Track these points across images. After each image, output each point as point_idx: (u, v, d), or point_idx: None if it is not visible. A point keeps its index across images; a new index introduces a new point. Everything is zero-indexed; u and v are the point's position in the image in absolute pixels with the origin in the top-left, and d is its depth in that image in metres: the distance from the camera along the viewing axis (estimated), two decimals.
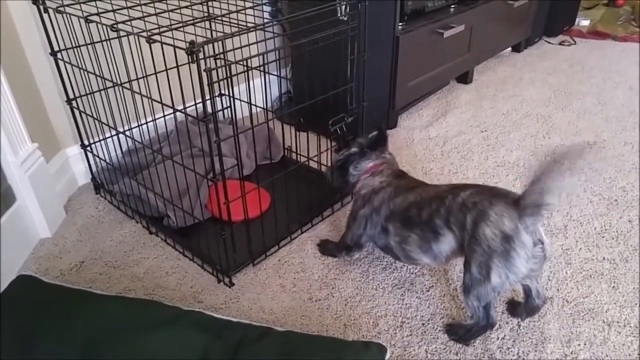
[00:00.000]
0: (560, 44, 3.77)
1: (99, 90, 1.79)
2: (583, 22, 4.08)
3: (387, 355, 1.32)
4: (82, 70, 1.76)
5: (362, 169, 1.61)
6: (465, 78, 3.05)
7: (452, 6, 2.60)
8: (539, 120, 2.62)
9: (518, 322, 1.47)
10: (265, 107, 1.65)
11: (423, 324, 1.47)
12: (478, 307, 1.34)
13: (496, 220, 1.25)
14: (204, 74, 1.27)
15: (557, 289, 1.58)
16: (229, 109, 1.49)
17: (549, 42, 3.80)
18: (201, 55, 1.26)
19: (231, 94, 1.44)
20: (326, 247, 1.75)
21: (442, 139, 2.44)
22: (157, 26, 1.38)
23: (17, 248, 1.71)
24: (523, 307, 1.46)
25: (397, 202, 1.47)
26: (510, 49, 3.60)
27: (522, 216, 1.22)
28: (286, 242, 1.78)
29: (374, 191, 1.54)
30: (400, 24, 2.22)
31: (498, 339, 1.42)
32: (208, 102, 1.33)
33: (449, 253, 1.39)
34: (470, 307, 1.35)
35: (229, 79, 1.39)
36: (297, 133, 1.96)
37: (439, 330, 1.45)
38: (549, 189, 1.18)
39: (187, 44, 1.24)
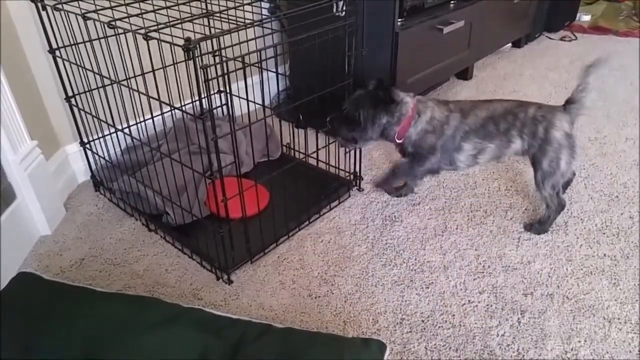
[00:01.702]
0: (561, 39, 3.76)
1: (98, 88, 1.79)
2: (584, 18, 4.06)
3: (387, 352, 1.32)
4: (80, 68, 1.75)
5: (404, 111, 1.72)
6: (465, 74, 3.04)
7: (452, 2, 2.58)
8: None
9: (518, 319, 1.46)
10: (263, 104, 1.64)
11: (423, 321, 1.47)
12: (552, 194, 1.74)
13: (560, 125, 1.67)
14: (200, 71, 1.27)
15: (558, 286, 1.57)
16: (228, 105, 1.48)
17: (550, 38, 3.79)
18: (198, 52, 1.25)
19: (228, 91, 1.43)
20: (394, 189, 1.98)
21: None
22: (154, 23, 1.38)
23: (17, 245, 1.71)
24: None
25: (470, 122, 1.73)
26: (510, 44, 3.58)
27: (573, 117, 1.70)
28: (285, 239, 1.77)
29: (442, 122, 1.74)
30: (400, 20, 2.21)
31: (498, 335, 1.42)
32: (205, 100, 1.32)
33: (506, 157, 1.83)
34: (546, 196, 1.75)
35: (227, 76, 1.38)
36: (296, 130, 1.95)
37: (439, 327, 1.45)
38: (585, 88, 1.67)
39: (184, 41, 1.23)
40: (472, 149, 1.75)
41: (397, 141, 1.76)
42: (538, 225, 1.80)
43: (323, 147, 1.91)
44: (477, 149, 1.75)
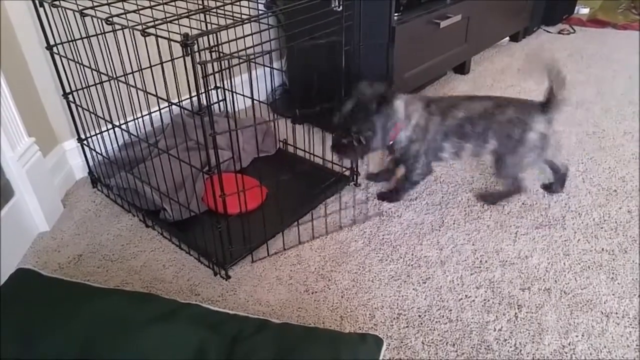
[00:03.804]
0: (559, 32, 3.75)
1: (95, 84, 1.79)
2: (582, 11, 4.06)
3: (384, 347, 1.32)
4: (78, 64, 1.75)
5: (398, 116, 1.73)
6: (462, 68, 3.04)
7: None
8: None
9: (515, 314, 1.47)
10: (258, 99, 1.64)
11: (420, 316, 1.47)
12: (510, 180, 1.86)
13: (536, 127, 1.71)
14: (198, 67, 1.27)
15: (555, 281, 1.58)
16: (225, 101, 1.48)
17: (548, 31, 3.78)
18: (195, 48, 1.25)
19: (226, 87, 1.43)
20: (394, 195, 1.95)
21: None
22: (152, 19, 1.38)
23: (15, 242, 1.71)
24: (556, 181, 1.95)
25: (448, 124, 1.76)
26: (508, 38, 3.58)
27: (550, 116, 1.71)
28: (282, 235, 1.77)
29: (424, 129, 1.77)
30: (396, 14, 2.20)
31: (495, 330, 1.42)
32: (203, 95, 1.32)
33: (484, 154, 1.84)
34: (504, 182, 1.90)
35: (224, 71, 1.38)
36: (293, 126, 1.95)
37: (436, 322, 1.45)
38: (558, 86, 1.68)
39: (181, 37, 1.23)
40: (452, 148, 1.81)
41: (388, 144, 1.79)
42: (491, 198, 1.93)
43: (320, 143, 1.91)
44: (456, 148, 1.80)
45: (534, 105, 1.74)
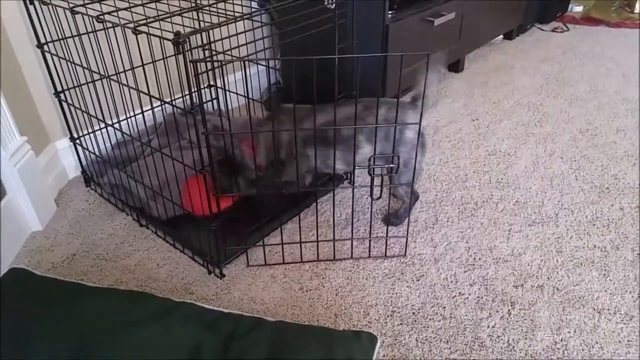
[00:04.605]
0: (553, 30, 3.76)
1: (87, 83, 1.78)
2: (576, 8, 4.07)
3: (378, 345, 1.32)
4: (69, 63, 1.75)
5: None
6: (456, 66, 3.04)
7: None
8: (530, 108, 2.61)
9: (508, 311, 1.47)
10: (248, 96, 1.64)
11: (414, 313, 1.47)
12: (407, 190, 1.74)
13: (413, 125, 1.58)
14: (190, 65, 1.26)
15: (548, 277, 1.58)
16: (218, 100, 1.48)
17: (542, 29, 3.79)
18: (187, 46, 1.25)
19: (219, 85, 1.43)
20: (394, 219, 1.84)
21: (433, 128, 2.44)
22: (143, 17, 1.37)
23: (8, 241, 1.70)
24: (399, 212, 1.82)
25: (305, 131, 1.61)
26: (502, 36, 3.59)
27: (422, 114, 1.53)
28: (276, 233, 1.77)
29: (280, 134, 1.66)
30: (390, 12, 2.21)
31: (488, 327, 1.42)
32: (195, 94, 1.32)
33: (363, 161, 1.63)
34: (402, 193, 1.75)
35: (217, 70, 1.38)
36: None
37: (430, 319, 1.45)
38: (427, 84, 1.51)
39: (173, 35, 1.23)
40: (320, 156, 1.62)
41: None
42: (395, 219, 1.81)
43: None
44: (323, 156, 1.64)
45: (405, 104, 1.65)
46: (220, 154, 1.64)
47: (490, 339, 1.39)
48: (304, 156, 1.66)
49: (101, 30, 1.52)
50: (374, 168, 1.52)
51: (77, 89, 1.82)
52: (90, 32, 1.58)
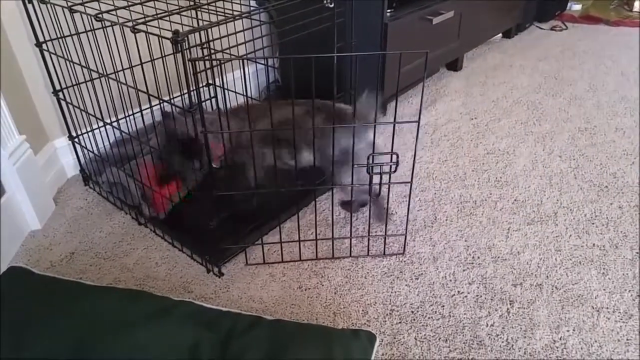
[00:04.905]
0: (551, 29, 3.76)
1: (86, 82, 1.78)
2: (575, 7, 4.07)
3: (377, 343, 1.32)
4: (68, 61, 1.74)
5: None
6: (455, 65, 3.05)
7: None
8: (529, 107, 2.61)
9: (507, 309, 1.47)
10: (247, 95, 1.64)
11: (412, 312, 1.47)
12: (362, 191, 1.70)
13: (347, 138, 1.52)
14: (188, 64, 1.26)
15: (547, 276, 1.58)
16: (217, 98, 1.48)
17: (541, 28, 3.79)
18: (186, 45, 1.25)
19: (217, 84, 1.43)
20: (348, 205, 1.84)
21: (432, 126, 2.44)
22: (142, 15, 1.37)
23: (7, 240, 1.70)
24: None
25: (258, 132, 1.62)
26: (500, 35, 3.59)
27: (359, 129, 1.53)
28: (275, 232, 1.77)
29: (239, 134, 1.67)
30: (389, 11, 2.21)
31: (487, 325, 1.42)
32: (194, 92, 1.32)
33: (306, 162, 1.67)
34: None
35: (216, 68, 1.38)
36: None
37: (429, 318, 1.45)
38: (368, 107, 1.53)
39: (172, 34, 1.23)
40: (274, 156, 1.62)
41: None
42: (347, 206, 1.84)
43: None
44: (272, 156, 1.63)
45: (346, 112, 1.62)
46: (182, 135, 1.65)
47: (489, 337, 1.39)
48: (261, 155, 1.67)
49: (100, 28, 1.52)
50: (372, 167, 1.51)
51: (75, 87, 1.82)
52: (89, 31, 1.58)
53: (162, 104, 1.52)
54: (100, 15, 1.43)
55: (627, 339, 1.38)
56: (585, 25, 3.85)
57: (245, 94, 1.67)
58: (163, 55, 1.41)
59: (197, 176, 1.78)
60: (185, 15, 1.50)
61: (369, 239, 1.72)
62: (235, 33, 1.42)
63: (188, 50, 1.27)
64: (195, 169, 1.71)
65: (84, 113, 1.84)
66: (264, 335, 1.31)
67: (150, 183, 1.70)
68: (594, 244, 1.70)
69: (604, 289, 1.53)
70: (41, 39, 1.75)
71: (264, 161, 1.68)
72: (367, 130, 1.57)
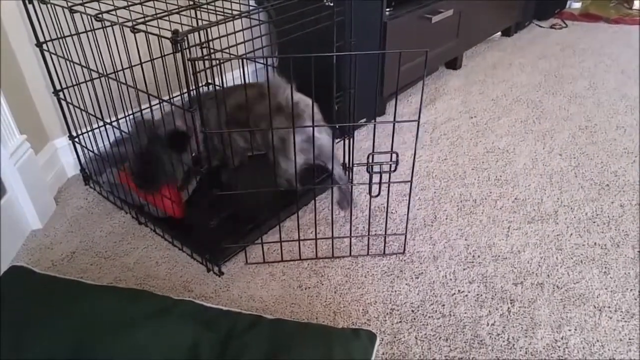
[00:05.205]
0: (551, 27, 3.76)
1: (86, 81, 1.78)
2: (575, 5, 4.07)
3: (377, 342, 1.32)
4: (68, 61, 1.74)
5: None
6: (454, 64, 3.04)
7: None
8: (529, 105, 2.61)
9: (508, 308, 1.47)
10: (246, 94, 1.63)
11: (413, 311, 1.47)
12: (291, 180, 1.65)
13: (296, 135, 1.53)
14: (188, 64, 1.26)
15: (548, 275, 1.58)
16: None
17: (540, 26, 3.79)
18: (185, 45, 1.25)
19: (217, 83, 1.43)
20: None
21: (431, 125, 2.44)
22: (142, 15, 1.37)
23: (8, 239, 1.70)
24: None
25: (223, 113, 1.64)
26: (500, 33, 3.58)
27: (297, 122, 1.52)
28: (275, 231, 1.77)
29: (209, 117, 1.67)
30: (388, 9, 2.21)
31: (488, 325, 1.42)
32: (193, 92, 1.32)
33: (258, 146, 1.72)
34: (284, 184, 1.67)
35: (216, 68, 1.38)
36: None
37: (429, 317, 1.45)
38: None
39: (172, 33, 1.23)
40: (240, 139, 1.75)
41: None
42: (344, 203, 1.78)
43: None
44: (242, 138, 1.74)
45: (287, 103, 1.57)
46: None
47: (490, 336, 1.39)
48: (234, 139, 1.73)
49: (100, 28, 1.52)
50: (372, 165, 1.51)
51: (76, 87, 1.82)
52: (89, 31, 1.58)
53: (161, 104, 1.52)
54: (100, 15, 1.43)
55: (629, 339, 1.38)
56: (585, 23, 3.85)
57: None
58: (163, 55, 1.41)
59: (190, 171, 1.77)
60: (184, 15, 1.50)
61: (369, 238, 1.72)
62: (235, 32, 1.42)
63: (187, 50, 1.27)
64: (186, 163, 1.71)
65: (84, 113, 1.84)
66: (264, 335, 1.31)
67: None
68: (595, 243, 1.70)
69: (606, 288, 1.53)
70: (41, 39, 1.75)
71: (237, 146, 1.76)
72: (305, 123, 1.56)
